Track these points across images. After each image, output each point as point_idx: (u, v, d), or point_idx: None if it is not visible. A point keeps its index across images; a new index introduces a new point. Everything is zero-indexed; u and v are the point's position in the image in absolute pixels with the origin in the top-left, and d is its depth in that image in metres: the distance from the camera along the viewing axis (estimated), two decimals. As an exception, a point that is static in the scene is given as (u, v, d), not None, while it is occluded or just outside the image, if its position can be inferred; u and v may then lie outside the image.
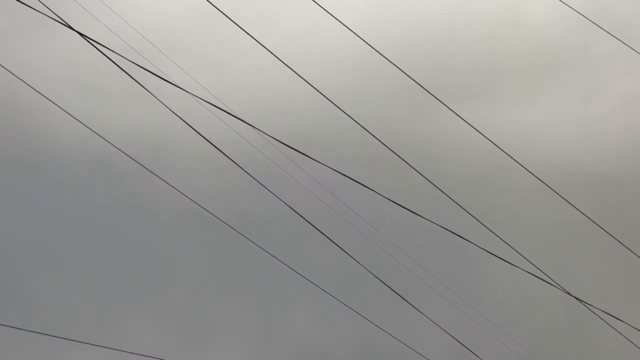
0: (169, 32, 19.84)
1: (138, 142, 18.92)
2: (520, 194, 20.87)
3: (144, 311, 19.33)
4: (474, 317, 16.53)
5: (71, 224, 19.80)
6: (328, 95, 11.96)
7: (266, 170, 12.86)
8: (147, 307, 19.38)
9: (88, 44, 10.40)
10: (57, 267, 19.31)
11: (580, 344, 19.97)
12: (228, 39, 19.98)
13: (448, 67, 21.69)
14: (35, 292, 18.70)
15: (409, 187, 14.45)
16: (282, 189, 12.75)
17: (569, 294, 13.65)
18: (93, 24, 12.08)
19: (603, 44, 20.64)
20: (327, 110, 12.19)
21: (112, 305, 19.08)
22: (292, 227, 13.98)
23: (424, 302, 14.98)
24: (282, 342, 19.80)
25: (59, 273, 19.21)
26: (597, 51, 22.13)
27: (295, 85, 12.03)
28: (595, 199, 20.36)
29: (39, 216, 19.71)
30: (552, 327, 20.14)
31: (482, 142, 13.02)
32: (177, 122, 11.49)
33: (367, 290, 16.38)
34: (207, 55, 20.50)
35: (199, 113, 11.52)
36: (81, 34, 10.18)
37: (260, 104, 19.95)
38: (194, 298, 19.65)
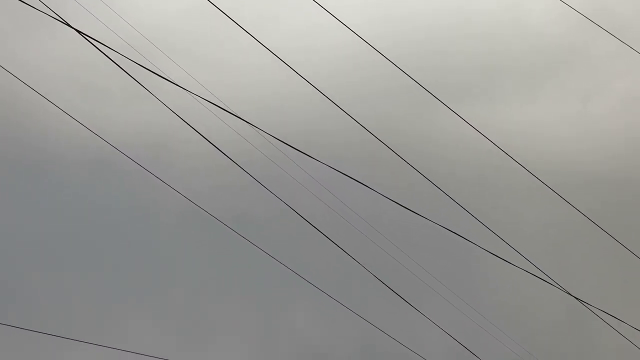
0: (169, 31, 19.85)
1: (138, 141, 18.94)
2: (520, 194, 20.88)
3: (144, 311, 19.35)
4: (473, 317, 16.53)
5: (71, 224, 19.81)
6: (328, 94, 11.96)
7: (265, 169, 12.86)
8: (147, 307, 19.39)
9: (88, 43, 10.41)
10: (57, 267, 19.32)
11: (580, 344, 19.98)
12: (227, 38, 19.99)
13: (447, 67, 21.71)
14: (36, 292, 18.71)
15: (409, 186, 14.45)
16: (282, 187, 12.75)
17: (569, 293, 13.64)
18: (93, 23, 12.07)
19: (603, 44, 20.65)
20: (327, 109, 12.20)
21: (112, 305, 19.09)
22: (292, 227, 13.99)
23: (423, 302, 14.98)
24: (282, 342, 19.81)
25: (59, 273, 19.22)
26: (596, 51, 22.15)
27: (295, 84, 12.03)
28: (595, 198, 20.36)
29: (39, 216, 19.73)
30: (551, 327, 20.14)
31: (482, 141, 13.02)
32: (177, 121, 11.49)
33: (367, 290, 16.38)
34: (206, 54, 20.52)
35: (199, 112, 11.53)
36: (81, 33, 10.18)
37: (260, 103, 19.96)
38: (193, 298, 19.65)
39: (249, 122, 11.50)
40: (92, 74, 19.15)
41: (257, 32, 11.68)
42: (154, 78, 10.95)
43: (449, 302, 16.21)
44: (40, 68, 18.95)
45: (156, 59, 11.86)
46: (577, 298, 13.73)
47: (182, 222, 19.63)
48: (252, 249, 13.14)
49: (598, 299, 14.39)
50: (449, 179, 17.39)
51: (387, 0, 22.28)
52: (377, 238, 15.06)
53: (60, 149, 19.65)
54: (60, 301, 18.67)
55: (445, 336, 15.03)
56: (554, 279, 13.59)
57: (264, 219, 18.83)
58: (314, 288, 13.85)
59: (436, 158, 20.80)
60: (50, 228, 19.65)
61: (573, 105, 22.41)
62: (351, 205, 14.49)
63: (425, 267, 15.78)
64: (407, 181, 13.94)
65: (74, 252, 19.54)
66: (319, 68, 20.23)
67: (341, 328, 19.28)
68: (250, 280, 19.60)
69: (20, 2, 10.09)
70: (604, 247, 15.68)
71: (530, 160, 13.90)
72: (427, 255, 17.06)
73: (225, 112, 11.35)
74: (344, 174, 12.05)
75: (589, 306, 13.97)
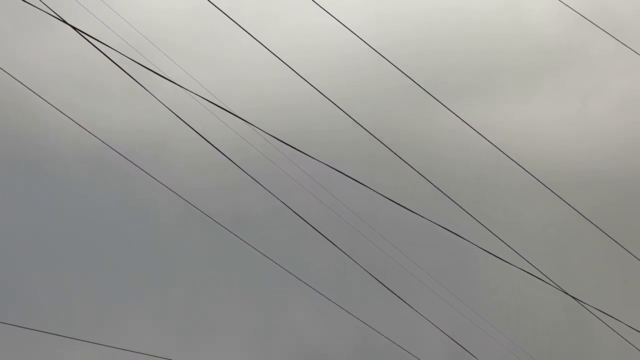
0: (167, 29, 19.86)
1: (136, 140, 18.95)
2: (518, 193, 20.87)
3: (143, 310, 19.35)
4: (471, 317, 16.53)
5: (71, 223, 19.82)
6: (326, 94, 11.97)
7: (264, 168, 12.87)
8: (147, 306, 19.40)
9: (87, 42, 10.42)
10: (57, 266, 19.33)
11: (578, 344, 19.96)
12: (227, 37, 20.00)
13: (446, 66, 21.71)
14: (36, 291, 18.72)
15: (408, 185, 14.44)
16: (280, 186, 12.76)
17: (566, 293, 13.64)
18: (91, 21, 12.09)
19: (601, 44, 20.65)
20: (325, 108, 12.21)
21: (112, 304, 19.10)
22: (290, 225, 13.98)
23: (421, 301, 14.99)
24: (281, 341, 19.81)
25: (59, 272, 19.23)
26: (595, 51, 22.15)
27: (293, 83, 12.04)
28: (593, 198, 20.36)
29: (38, 215, 19.74)
30: (549, 327, 20.13)
31: (481, 141, 13.03)
32: (176, 120, 11.50)
33: (364, 290, 16.39)
34: (205, 53, 20.52)
35: (197, 110, 11.54)
36: (78, 30, 10.19)
37: (259, 102, 19.97)
38: (193, 297, 19.66)
39: (247, 121, 11.52)
40: (90, 72, 19.17)
41: (256, 31, 11.70)
42: (153, 76, 10.96)
43: (446, 301, 16.21)
44: (38, 66, 18.98)
45: (155, 57, 11.87)
46: (574, 298, 13.74)
47: (182, 221, 19.63)
48: (251, 248, 13.16)
49: (596, 298, 14.39)
50: (448, 179, 17.40)
51: (387, -1, 22.32)
52: (375, 237, 15.07)
53: (60, 148, 19.67)
54: (60, 300, 18.69)
55: (443, 335, 15.04)
56: (552, 279, 13.60)
57: (262, 217, 18.85)
58: (315, 287, 13.87)
59: (435, 157, 20.81)
60: (50, 227, 19.67)
61: (572, 104, 22.42)
62: (349, 204, 14.51)
63: (423, 267, 15.79)
64: (405, 180, 13.93)
65: (74, 252, 19.55)
66: (318, 67, 20.25)
67: (341, 327, 19.28)
68: (249, 280, 19.61)
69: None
70: (603, 247, 15.69)
71: (528, 160, 13.91)
72: (425, 255, 17.07)
73: (224, 110, 11.36)
74: (342, 173, 12.06)
75: (587, 306, 13.98)
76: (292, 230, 16.58)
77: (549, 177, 13.91)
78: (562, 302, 15.40)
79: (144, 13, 19.25)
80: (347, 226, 14.57)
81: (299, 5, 20.85)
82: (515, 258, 13.37)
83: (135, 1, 18.69)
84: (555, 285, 13.63)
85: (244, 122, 11.52)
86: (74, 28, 10.31)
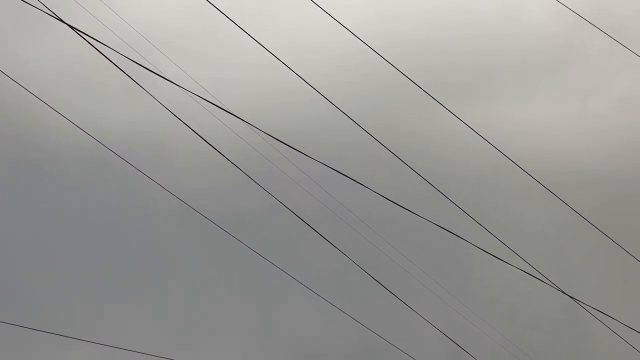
0: (166, 29, 19.86)
1: (135, 139, 18.95)
2: (518, 193, 20.87)
3: (143, 310, 19.36)
4: (469, 316, 16.54)
5: (70, 223, 19.83)
6: (324, 93, 11.98)
7: (262, 168, 12.88)
8: (147, 306, 19.41)
9: (85, 42, 10.43)
10: (57, 266, 19.34)
11: (575, 343, 19.96)
12: (225, 36, 20.00)
13: (445, 66, 21.71)
14: (36, 291, 18.73)
15: (406, 185, 14.45)
16: (277, 186, 12.77)
17: (563, 292, 13.65)
18: (90, 21, 12.10)
19: (600, 43, 20.63)
20: (324, 108, 12.21)
21: (112, 304, 19.11)
22: (287, 225, 14.00)
23: (419, 301, 15.00)
24: (280, 341, 19.82)
25: (59, 272, 19.24)
26: (594, 50, 22.16)
27: (292, 82, 12.04)
28: (592, 197, 20.36)
29: (38, 215, 19.74)
30: (547, 326, 20.14)
31: (480, 140, 13.04)
32: (175, 119, 11.51)
33: (363, 289, 16.40)
34: (203, 52, 20.52)
35: (195, 110, 11.54)
36: (75, 29, 10.20)
37: (257, 102, 19.96)
38: (192, 297, 19.67)
39: (245, 120, 11.52)
40: (89, 72, 19.17)
41: (255, 30, 11.71)
42: (151, 76, 10.98)
43: (444, 301, 16.23)
44: (37, 66, 18.98)
45: (153, 57, 11.88)
46: (571, 297, 13.74)
47: (182, 221, 19.62)
48: (251, 247, 13.17)
49: (594, 298, 14.40)
50: (447, 178, 17.41)
51: (385, -1, 22.33)
52: (373, 237, 15.08)
53: (59, 148, 19.67)
54: (59, 300, 18.70)
55: (441, 335, 15.05)
56: (550, 278, 13.61)
57: (260, 217, 18.85)
58: (313, 286, 13.88)
59: (434, 157, 20.81)
60: (49, 227, 19.67)
61: (571, 104, 22.42)
62: (347, 204, 14.51)
63: (421, 266, 15.80)
64: (403, 180, 13.95)
65: (74, 252, 19.56)
66: (316, 67, 20.25)
67: (340, 327, 19.28)
68: (248, 280, 19.61)
69: None
70: (601, 246, 15.69)
71: (527, 159, 13.91)
72: (424, 254, 17.08)
73: (222, 110, 11.37)
74: (341, 173, 12.06)
75: (584, 305, 13.98)
76: (290, 230, 16.59)
77: (547, 176, 13.92)
78: (560, 301, 15.41)
79: (143, 13, 19.26)
80: (345, 226, 14.58)
81: (298, 5, 20.86)
82: (514, 258, 13.39)
83: (134, 1, 18.71)
84: (553, 285, 13.64)
85: (242, 121, 11.53)
86: (73, 28, 10.33)
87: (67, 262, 19.41)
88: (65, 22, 10.10)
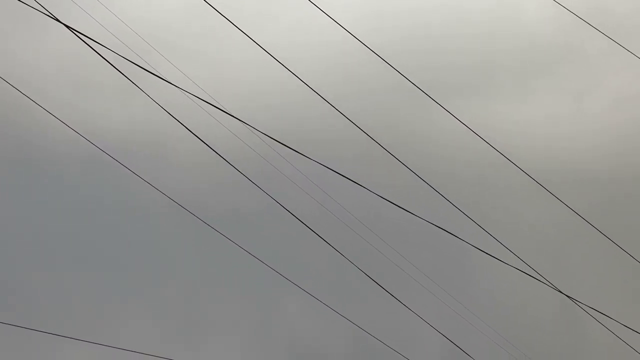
0: (163, 29, 19.87)
1: (133, 139, 18.97)
2: (516, 192, 20.87)
3: (143, 310, 19.38)
4: (467, 317, 16.54)
5: (70, 223, 19.84)
6: (322, 93, 11.98)
7: (260, 168, 12.89)
8: (146, 306, 19.42)
9: (83, 42, 10.45)
10: (56, 266, 19.35)
11: (573, 343, 19.97)
12: (222, 36, 20.01)
13: (442, 65, 21.73)
14: (36, 291, 18.75)
15: (404, 185, 14.45)
16: (274, 185, 12.77)
17: (560, 292, 13.66)
18: (88, 21, 12.11)
19: (596, 42, 20.66)
20: (321, 108, 12.21)
21: (112, 304, 19.12)
22: (285, 225, 14.01)
23: (418, 301, 15.00)
24: (279, 341, 19.83)
25: (59, 272, 19.25)
26: (590, 49, 22.18)
27: (289, 82, 12.05)
28: (589, 196, 20.38)
29: (38, 215, 19.76)
30: (545, 326, 20.14)
31: (477, 140, 13.04)
32: (172, 120, 11.52)
33: (361, 290, 16.41)
34: (200, 52, 20.54)
35: (193, 110, 11.56)
36: (72, 29, 10.22)
37: (254, 102, 19.97)
38: (191, 296, 19.68)
39: (243, 120, 11.53)
40: (87, 72, 19.18)
41: (252, 29, 11.71)
42: (149, 76, 10.99)
43: (442, 301, 16.23)
44: (35, 66, 18.99)
45: (151, 57, 11.89)
46: (568, 296, 13.75)
47: (181, 221, 19.61)
48: (248, 248, 13.18)
49: (592, 297, 14.41)
50: (444, 178, 17.43)
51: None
52: (371, 237, 15.08)
53: (59, 148, 19.68)
54: (59, 300, 18.71)
55: (439, 335, 15.06)
56: (548, 278, 13.61)
57: (257, 217, 18.86)
58: (310, 286, 13.90)
59: (431, 156, 20.82)
60: (49, 227, 19.69)
61: (567, 103, 22.44)
62: (345, 204, 14.51)
63: (419, 267, 15.80)
64: (401, 179, 13.95)
65: (74, 252, 19.58)
66: (314, 66, 20.26)
67: (339, 327, 19.29)
68: (247, 280, 19.62)
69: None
70: (599, 245, 15.69)
71: (524, 159, 13.92)
72: (422, 255, 17.08)
73: (220, 110, 11.38)
74: (338, 173, 12.07)
75: (582, 305, 13.99)
76: (288, 230, 16.60)
77: (545, 175, 13.92)
78: (558, 301, 15.41)
79: (140, 13, 19.27)
80: (343, 226, 14.58)
81: (296, 5, 20.86)
82: (511, 257, 13.39)
83: (132, 1, 18.72)
84: (551, 285, 13.65)
85: (239, 121, 11.53)
86: (71, 29, 10.35)
87: (67, 262, 19.43)
88: (63, 22, 10.12)
